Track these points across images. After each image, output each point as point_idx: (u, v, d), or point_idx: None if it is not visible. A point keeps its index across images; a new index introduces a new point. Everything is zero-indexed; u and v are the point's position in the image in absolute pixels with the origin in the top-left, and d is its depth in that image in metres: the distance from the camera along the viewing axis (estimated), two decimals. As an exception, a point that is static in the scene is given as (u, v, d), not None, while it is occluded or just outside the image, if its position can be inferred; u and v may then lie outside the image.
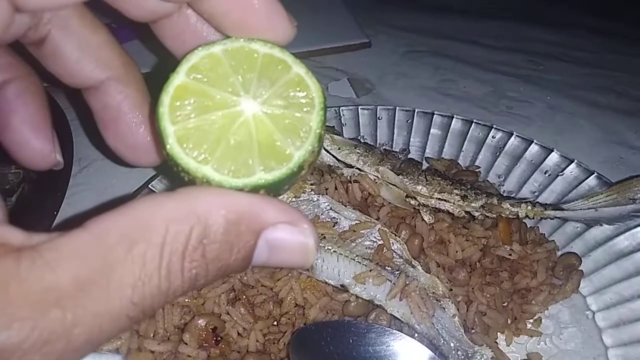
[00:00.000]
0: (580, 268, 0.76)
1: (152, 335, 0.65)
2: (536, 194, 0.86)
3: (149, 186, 0.78)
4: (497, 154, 0.91)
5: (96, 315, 0.28)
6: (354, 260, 0.69)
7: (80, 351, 0.28)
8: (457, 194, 0.76)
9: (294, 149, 0.36)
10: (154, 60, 1.02)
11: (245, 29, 0.38)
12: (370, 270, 0.68)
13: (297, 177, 0.37)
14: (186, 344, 0.64)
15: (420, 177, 0.78)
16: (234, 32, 0.39)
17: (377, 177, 0.77)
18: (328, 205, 0.72)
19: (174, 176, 0.36)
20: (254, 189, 0.35)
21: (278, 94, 0.37)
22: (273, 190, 0.36)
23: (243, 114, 0.36)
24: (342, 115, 0.94)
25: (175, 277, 0.30)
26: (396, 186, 0.76)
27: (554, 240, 0.80)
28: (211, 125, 0.36)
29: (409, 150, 0.92)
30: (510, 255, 0.73)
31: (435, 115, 0.95)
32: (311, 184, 0.74)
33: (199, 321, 0.64)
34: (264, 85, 0.37)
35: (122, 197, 0.88)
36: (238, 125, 0.36)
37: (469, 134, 0.93)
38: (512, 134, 0.91)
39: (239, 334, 0.67)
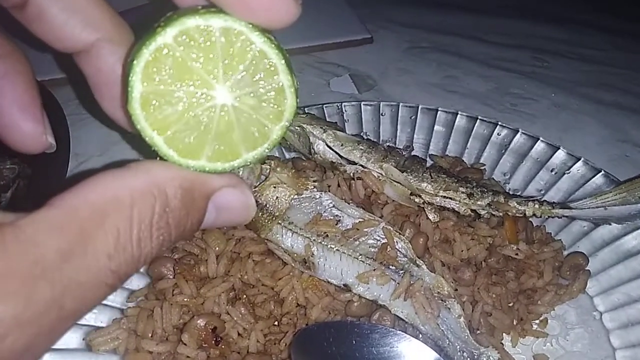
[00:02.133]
0: (587, 268, 0.75)
1: (150, 335, 0.64)
2: (542, 192, 0.85)
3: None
4: (503, 151, 0.89)
5: (80, 284, 0.30)
6: (357, 259, 0.68)
7: (71, 320, 0.30)
8: (462, 192, 0.74)
9: (245, 151, 0.38)
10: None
11: (244, 8, 0.36)
12: (374, 270, 0.67)
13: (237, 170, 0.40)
14: (185, 344, 0.62)
15: (424, 174, 0.76)
16: (233, 11, 0.37)
17: (381, 174, 0.75)
18: (331, 202, 0.71)
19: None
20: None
21: (251, 87, 0.37)
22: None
23: (213, 99, 0.37)
24: (344, 111, 0.93)
25: (146, 245, 0.33)
26: (400, 183, 0.74)
27: (560, 240, 0.78)
28: (178, 99, 0.36)
29: (413, 147, 0.91)
30: (516, 255, 0.72)
31: (439, 112, 0.93)
32: (314, 181, 0.72)
33: (199, 321, 0.63)
34: (243, 74, 0.37)
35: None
36: (204, 109, 0.37)
37: (473, 131, 0.91)
38: (518, 131, 0.89)
39: (239, 334, 0.66)
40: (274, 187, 0.67)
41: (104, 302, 0.63)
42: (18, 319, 0.27)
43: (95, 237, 0.30)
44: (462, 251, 0.71)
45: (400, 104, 0.94)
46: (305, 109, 0.88)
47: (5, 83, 0.40)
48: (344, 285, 0.67)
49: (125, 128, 0.44)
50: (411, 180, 0.75)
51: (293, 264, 0.68)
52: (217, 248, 0.69)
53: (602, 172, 0.82)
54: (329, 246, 0.68)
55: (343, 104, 0.93)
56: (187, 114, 0.37)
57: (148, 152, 0.38)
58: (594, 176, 0.82)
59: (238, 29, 0.36)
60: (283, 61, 0.37)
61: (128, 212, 0.32)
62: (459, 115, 0.92)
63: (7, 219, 0.29)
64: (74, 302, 0.29)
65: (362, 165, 0.76)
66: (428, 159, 0.90)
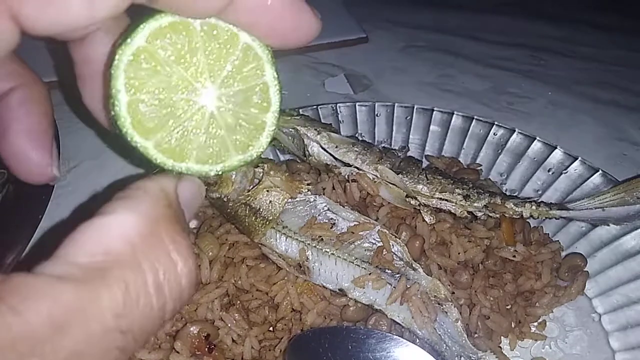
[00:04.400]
0: (585, 269, 0.74)
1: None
2: (540, 192, 0.84)
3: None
4: (499, 151, 0.88)
5: (81, 354, 0.26)
6: (353, 263, 0.67)
7: None
8: (459, 194, 0.73)
9: (235, 153, 0.38)
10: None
11: (274, 35, 0.37)
12: (370, 274, 0.66)
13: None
14: (178, 352, 0.61)
15: (420, 175, 0.75)
16: (263, 39, 0.38)
17: (376, 176, 0.74)
18: (325, 205, 0.70)
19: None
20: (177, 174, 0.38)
21: (236, 84, 0.38)
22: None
23: (199, 103, 0.37)
24: (339, 112, 0.92)
25: (172, 287, 0.29)
26: (396, 185, 0.73)
27: (558, 241, 0.77)
28: (165, 102, 0.36)
29: (409, 147, 0.90)
30: (514, 256, 0.71)
31: (434, 112, 0.92)
32: (308, 184, 0.71)
33: (192, 328, 0.62)
34: (227, 71, 0.37)
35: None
36: (192, 113, 0.37)
37: (469, 130, 0.91)
38: (514, 130, 0.88)
39: (233, 340, 0.65)
40: (267, 191, 0.66)
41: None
42: None
43: (99, 296, 0.27)
44: (458, 254, 0.70)
45: (396, 104, 0.93)
46: (300, 110, 0.87)
47: (21, 112, 0.40)
48: (339, 289, 0.66)
49: (105, 126, 0.43)
50: (407, 182, 0.74)
51: (287, 269, 0.67)
52: (210, 253, 0.68)
53: (600, 171, 0.81)
54: (323, 250, 0.67)
55: (338, 104, 0.92)
56: (173, 116, 0.36)
57: (137, 158, 0.37)
58: (591, 176, 0.81)
59: (219, 24, 0.36)
60: (267, 54, 0.38)
61: (132, 260, 0.29)
62: (454, 115, 0.92)
63: None
64: None
65: (357, 167, 0.75)
66: (424, 159, 0.89)
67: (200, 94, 0.37)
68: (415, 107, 0.93)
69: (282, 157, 0.86)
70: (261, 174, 0.67)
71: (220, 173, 0.39)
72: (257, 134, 0.39)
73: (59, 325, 0.25)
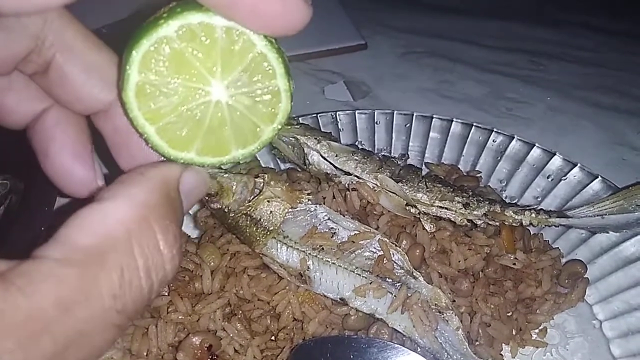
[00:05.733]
0: (585, 276, 0.74)
1: (145, 354, 0.63)
2: (539, 199, 0.84)
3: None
4: (498, 158, 0.89)
5: (84, 333, 0.28)
6: (354, 272, 0.67)
7: None
8: (458, 202, 0.74)
9: (235, 148, 0.39)
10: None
11: (257, 19, 0.35)
12: (371, 283, 0.66)
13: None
14: (180, 363, 0.61)
15: (420, 184, 0.75)
16: (246, 23, 0.36)
17: (376, 184, 0.75)
18: (326, 215, 0.70)
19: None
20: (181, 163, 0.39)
21: (247, 87, 0.38)
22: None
23: (208, 95, 0.37)
24: (339, 120, 0.92)
25: (158, 271, 0.32)
26: (396, 194, 0.74)
27: (558, 247, 0.78)
28: (174, 91, 0.36)
29: (408, 155, 0.90)
30: (514, 264, 0.71)
31: (434, 119, 0.93)
32: (308, 193, 0.71)
33: (194, 339, 0.62)
34: (240, 73, 0.37)
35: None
36: (198, 104, 0.37)
37: (469, 137, 0.91)
38: (513, 137, 0.89)
39: (235, 350, 0.65)
40: (268, 202, 0.66)
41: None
42: None
43: (98, 279, 0.29)
44: (459, 262, 0.71)
45: (395, 112, 0.93)
46: (300, 118, 0.88)
47: (58, 130, 0.41)
48: (340, 299, 0.66)
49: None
50: (406, 191, 0.74)
51: (289, 278, 0.67)
52: (211, 263, 0.68)
53: (599, 177, 0.81)
54: (324, 260, 0.67)
55: (337, 113, 0.92)
56: (181, 106, 0.37)
57: None
58: (591, 182, 0.82)
59: (241, 29, 0.36)
60: (282, 65, 0.38)
61: (127, 245, 0.31)
62: (454, 122, 0.92)
63: None
64: (79, 352, 0.28)
65: (357, 176, 0.76)
66: (424, 167, 0.90)
67: (211, 89, 0.37)
68: (415, 114, 0.93)
69: (282, 166, 0.87)
70: (262, 184, 0.67)
71: (222, 164, 0.39)
72: (257, 136, 0.40)
73: (65, 306, 0.27)
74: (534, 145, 0.87)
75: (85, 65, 0.39)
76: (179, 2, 0.36)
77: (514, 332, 0.70)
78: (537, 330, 0.72)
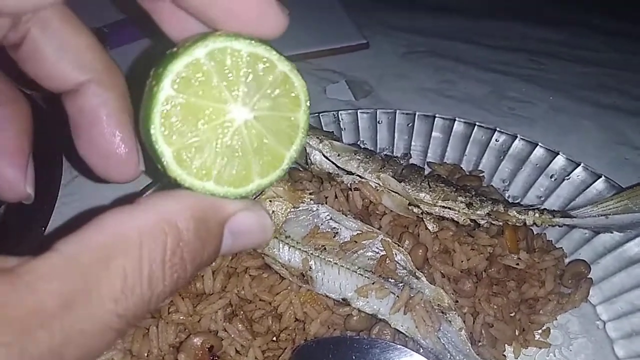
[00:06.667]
0: (589, 276, 0.74)
1: (146, 355, 0.63)
2: (542, 199, 0.84)
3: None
4: (501, 157, 0.88)
5: (83, 332, 0.28)
6: (356, 272, 0.67)
7: None
8: (461, 202, 0.73)
9: (285, 150, 0.38)
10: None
11: (233, 20, 0.36)
12: (373, 283, 0.66)
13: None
14: (182, 363, 0.61)
15: (423, 183, 0.75)
16: (221, 24, 0.37)
17: (379, 184, 0.74)
18: (328, 215, 0.70)
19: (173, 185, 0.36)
20: (254, 194, 0.37)
21: (265, 96, 0.37)
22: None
23: (234, 123, 0.36)
24: (341, 119, 0.91)
25: (158, 284, 0.31)
26: (398, 194, 0.73)
27: (561, 248, 0.77)
28: (205, 139, 0.36)
29: (411, 154, 0.90)
30: (517, 264, 0.71)
31: (436, 118, 0.92)
32: (310, 193, 0.71)
33: (195, 340, 0.62)
34: (251, 87, 0.37)
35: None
36: (231, 135, 0.36)
37: (471, 137, 0.90)
38: (516, 136, 0.88)
39: (237, 351, 0.65)
40: (270, 201, 0.66)
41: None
42: None
43: (100, 281, 0.29)
44: (462, 262, 0.70)
45: (397, 111, 0.93)
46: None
47: None
48: (342, 299, 0.66)
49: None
50: (409, 190, 0.74)
51: (291, 279, 0.67)
52: (213, 263, 0.68)
53: (603, 177, 0.81)
54: (326, 260, 0.67)
55: (339, 112, 0.92)
56: (219, 147, 0.36)
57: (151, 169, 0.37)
58: (594, 181, 0.81)
59: (220, 46, 0.35)
60: (274, 57, 0.37)
61: (136, 252, 0.30)
62: (456, 121, 0.91)
63: (8, 264, 0.28)
64: (76, 351, 0.28)
65: (359, 176, 0.75)
66: (426, 166, 0.89)
67: (232, 113, 0.36)
68: (417, 113, 0.93)
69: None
70: (264, 184, 0.67)
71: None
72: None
73: (66, 303, 0.28)
74: (537, 144, 0.86)
75: (60, 44, 0.39)
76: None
77: (517, 333, 0.70)
78: (540, 331, 0.72)
